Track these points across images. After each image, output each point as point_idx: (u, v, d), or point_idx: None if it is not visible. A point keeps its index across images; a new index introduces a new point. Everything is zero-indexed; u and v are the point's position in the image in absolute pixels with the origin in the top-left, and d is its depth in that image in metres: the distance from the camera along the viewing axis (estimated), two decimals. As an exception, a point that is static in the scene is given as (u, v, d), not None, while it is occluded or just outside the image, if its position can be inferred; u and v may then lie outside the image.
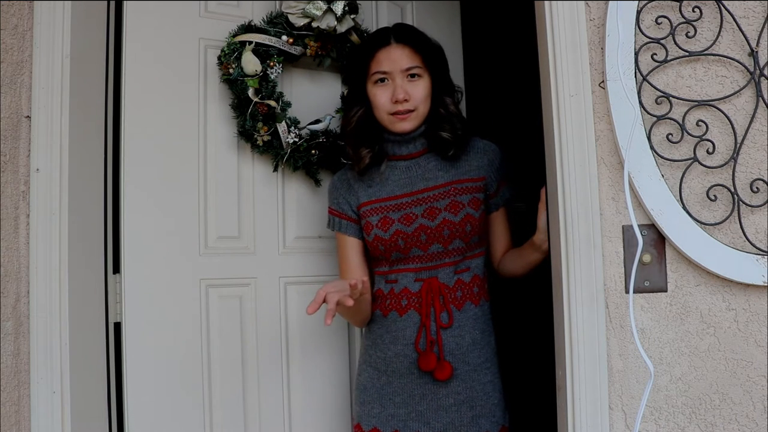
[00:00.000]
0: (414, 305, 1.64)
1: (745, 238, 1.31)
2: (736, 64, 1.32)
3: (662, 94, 1.33)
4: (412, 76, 1.62)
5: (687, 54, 1.33)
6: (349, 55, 1.84)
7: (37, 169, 1.49)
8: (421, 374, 1.62)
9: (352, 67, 1.72)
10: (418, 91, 1.62)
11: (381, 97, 1.62)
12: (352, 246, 1.72)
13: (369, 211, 1.68)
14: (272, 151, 1.80)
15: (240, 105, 1.76)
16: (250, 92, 1.75)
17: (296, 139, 1.79)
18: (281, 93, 1.79)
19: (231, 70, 1.74)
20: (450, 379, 1.61)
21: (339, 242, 1.74)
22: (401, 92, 1.60)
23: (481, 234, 1.68)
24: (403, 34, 1.65)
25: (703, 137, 1.32)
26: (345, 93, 1.84)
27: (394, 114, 1.62)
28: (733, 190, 1.31)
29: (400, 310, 1.65)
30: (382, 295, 1.68)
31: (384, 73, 1.62)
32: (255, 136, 1.77)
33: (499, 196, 1.71)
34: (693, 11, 1.33)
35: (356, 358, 1.91)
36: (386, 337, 1.66)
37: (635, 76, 1.33)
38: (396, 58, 1.62)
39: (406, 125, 1.63)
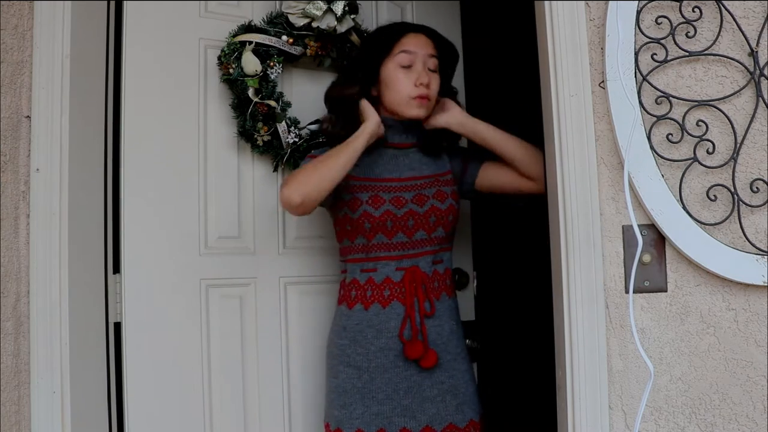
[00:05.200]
0: (397, 296, 1.63)
1: (745, 238, 1.31)
2: (736, 64, 1.32)
3: (662, 94, 1.33)
4: (430, 69, 1.66)
5: (687, 54, 1.33)
6: (370, 37, 1.80)
7: (37, 169, 1.49)
8: (406, 367, 1.62)
9: (371, 46, 1.71)
10: (435, 83, 1.67)
11: (404, 80, 1.64)
12: None
13: (358, 187, 1.66)
14: (272, 151, 1.80)
15: (240, 105, 1.76)
16: (250, 92, 1.75)
17: (296, 139, 1.79)
18: (281, 93, 1.79)
19: (231, 70, 1.74)
20: (433, 368, 1.62)
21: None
22: (425, 77, 1.64)
23: (455, 228, 1.72)
24: (428, 29, 1.71)
25: (703, 137, 1.32)
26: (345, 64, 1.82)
27: (415, 97, 1.64)
28: (733, 190, 1.31)
29: (383, 302, 1.63)
30: (358, 286, 1.66)
31: (410, 53, 1.64)
32: (255, 136, 1.77)
33: (471, 165, 1.74)
34: (693, 11, 1.33)
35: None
36: (368, 332, 1.64)
37: (635, 76, 1.33)
38: (423, 44, 1.66)
39: (422, 111, 1.66)
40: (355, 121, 1.66)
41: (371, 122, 1.63)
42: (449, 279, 1.71)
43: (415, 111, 1.65)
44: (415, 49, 1.65)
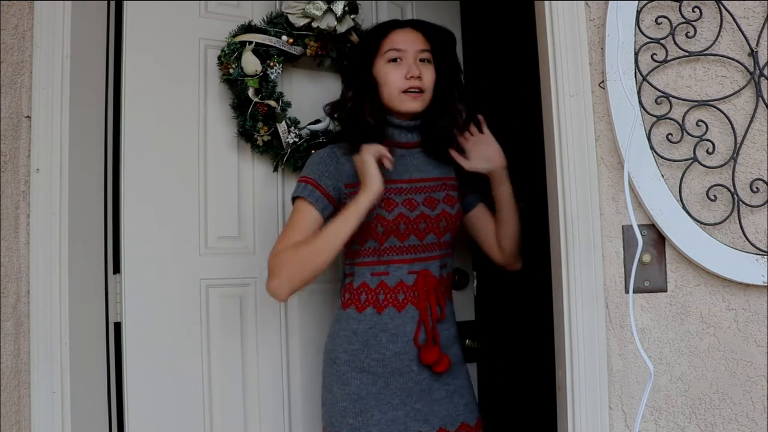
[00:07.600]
0: (411, 299, 1.61)
1: (744, 238, 1.31)
2: (736, 64, 1.32)
3: (662, 94, 1.33)
4: (422, 60, 1.63)
5: (687, 54, 1.33)
6: (359, 40, 1.79)
7: (37, 169, 1.49)
8: (419, 371, 1.60)
9: (361, 48, 1.70)
10: (429, 75, 1.63)
11: (394, 74, 1.61)
12: (314, 221, 1.58)
13: None
14: (272, 151, 1.80)
15: (240, 105, 1.76)
16: (250, 92, 1.75)
17: (296, 139, 1.79)
18: (281, 93, 1.79)
19: (231, 70, 1.74)
20: (443, 371, 1.62)
21: (300, 212, 1.60)
22: (416, 69, 1.61)
23: (458, 232, 1.71)
24: (416, 22, 1.69)
25: (703, 137, 1.32)
26: (346, 74, 1.79)
27: (406, 92, 1.61)
28: (733, 190, 1.31)
29: (398, 305, 1.61)
30: (369, 290, 1.63)
31: (398, 50, 1.62)
32: (255, 136, 1.77)
33: (472, 197, 1.74)
34: (693, 11, 1.33)
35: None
36: (382, 337, 1.60)
37: (635, 76, 1.33)
38: (411, 40, 1.64)
39: (416, 104, 1.62)
40: (362, 124, 1.64)
41: (375, 184, 1.52)
42: (451, 284, 1.73)
43: (408, 104, 1.62)
44: (403, 46, 1.62)
